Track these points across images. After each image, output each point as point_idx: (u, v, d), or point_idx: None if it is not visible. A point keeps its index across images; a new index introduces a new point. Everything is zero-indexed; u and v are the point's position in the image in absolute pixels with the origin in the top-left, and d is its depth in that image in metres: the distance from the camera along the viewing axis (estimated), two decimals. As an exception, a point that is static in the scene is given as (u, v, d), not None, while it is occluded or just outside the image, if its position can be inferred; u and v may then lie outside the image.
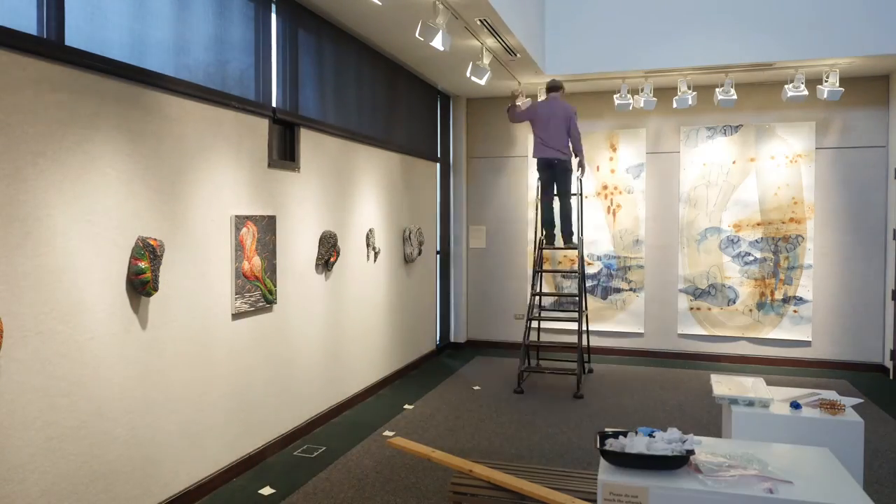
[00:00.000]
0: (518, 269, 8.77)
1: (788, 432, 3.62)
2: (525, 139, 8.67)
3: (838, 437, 3.57)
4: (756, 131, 7.91)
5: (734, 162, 7.98)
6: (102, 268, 3.37)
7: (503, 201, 8.85)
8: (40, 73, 3.04)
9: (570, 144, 6.91)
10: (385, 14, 5.27)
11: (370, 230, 6.39)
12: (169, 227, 3.82)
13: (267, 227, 4.71)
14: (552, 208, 7.23)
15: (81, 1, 3.25)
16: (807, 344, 7.81)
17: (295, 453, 4.93)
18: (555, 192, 7.12)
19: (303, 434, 5.27)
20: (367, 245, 6.36)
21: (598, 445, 2.72)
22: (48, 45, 3.06)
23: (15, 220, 2.92)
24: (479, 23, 5.52)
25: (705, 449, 2.82)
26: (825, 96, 6.90)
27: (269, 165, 4.79)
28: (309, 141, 5.31)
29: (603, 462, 2.69)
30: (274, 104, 4.83)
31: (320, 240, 5.46)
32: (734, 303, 8.01)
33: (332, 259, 5.57)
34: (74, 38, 3.19)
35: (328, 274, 5.64)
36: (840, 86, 6.92)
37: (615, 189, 8.39)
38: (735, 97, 7.17)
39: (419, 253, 7.50)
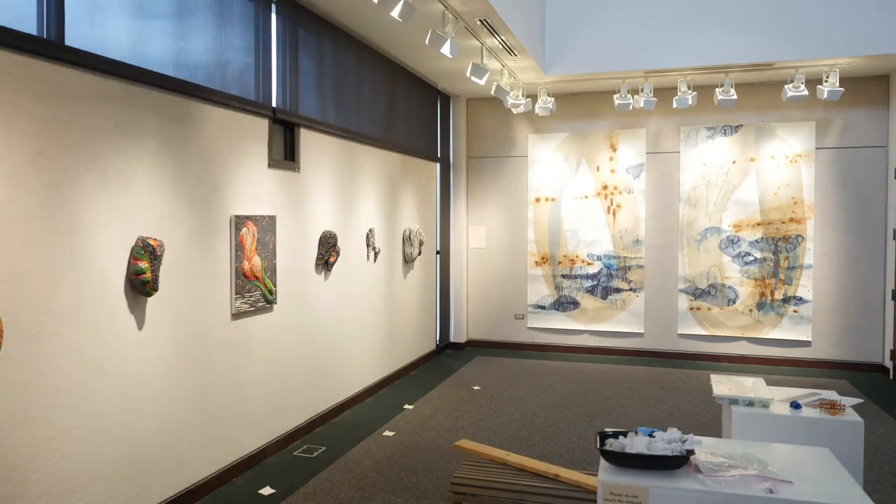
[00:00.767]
0: (518, 269, 8.77)
1: (788, 432, 3.62)
2: (525, 139, 8.67)
3: (838, 437, 3.57)
4: (756, 131, 7.91)
5: (734, 162, 7.98)
6: (102, 268, 3.37)
7: (503, 201, 8.85)
8: (40, 72, 3.04)
9: None
10: (385, 15, 5.26)
11: (370, 230, 6.39)
12: (169, 227, 3.82)
13: (267, 227, 4.71)
14: None
15: (81, 1, 3.25)
16: (807, 344, 7.80)
17: (295, 453, 4.93)
18: None
19: (303, 434, 5.27)
20: (367, 245, 6.36)
21: (598, 445, 2.73)
22: (48, 45, 3.06)
23: (15, 220, 2.92)
24: (479, 23, 5.53)
25: (705, 449, 2.82)
26: (825, 96, 6.89)
27: (269, 165, 4.79)
28: (309, 141, 5.31)
29: (603, 462, 2.69)
30: (274, 104, 4.83)
31: (320, 240, 5.46)
32: (734, 303, 8.01)
33: (332, 259, 5.57)
34: (74, 38, 3.19)
35: (328, 274, 5.64)
36: (840, 86, 6.92)
37: (615, 189, 8.38)
38: (735, 97, 7.16)
39: (419, 253, 7.50)
